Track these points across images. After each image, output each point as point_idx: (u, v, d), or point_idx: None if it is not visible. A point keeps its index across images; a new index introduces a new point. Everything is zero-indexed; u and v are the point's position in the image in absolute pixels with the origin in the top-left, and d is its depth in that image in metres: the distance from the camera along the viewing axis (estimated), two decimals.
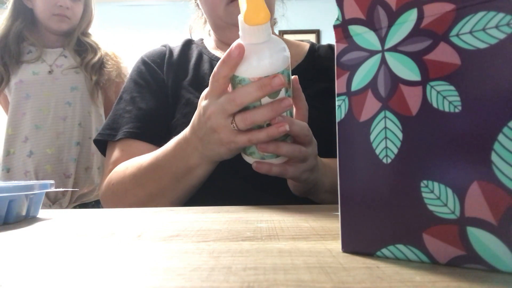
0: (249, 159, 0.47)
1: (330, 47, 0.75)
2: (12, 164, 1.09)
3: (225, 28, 0.69)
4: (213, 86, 0.42)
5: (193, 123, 0.47)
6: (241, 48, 0.39)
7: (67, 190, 1.09)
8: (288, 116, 0.43)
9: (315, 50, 0.74)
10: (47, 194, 1.06)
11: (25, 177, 1.07)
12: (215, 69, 0.41)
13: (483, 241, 0.18)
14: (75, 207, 1.12)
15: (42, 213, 0.43)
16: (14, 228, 0.33)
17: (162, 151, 0.53)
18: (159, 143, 0.61)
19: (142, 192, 0.54)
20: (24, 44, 1.12)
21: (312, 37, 3.13)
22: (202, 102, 0.45)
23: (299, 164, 0.46)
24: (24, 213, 0.38)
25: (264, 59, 0.39)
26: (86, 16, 1.17)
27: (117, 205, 0.57)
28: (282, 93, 0.41)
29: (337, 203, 0.23)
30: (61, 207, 1.09)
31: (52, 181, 0.42)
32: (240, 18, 0.38)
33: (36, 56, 1.11)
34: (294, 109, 0.47)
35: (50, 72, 1.11)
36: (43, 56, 1.12)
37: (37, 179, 1.06)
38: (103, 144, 0.67)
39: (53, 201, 1.09)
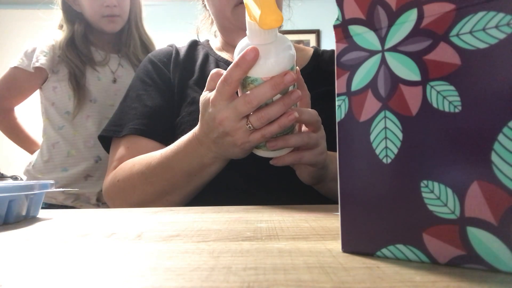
0: (258, 152, 0.49)
1: (334, 52, 0.76)
2: (71, 166, 1.01)
3: (232, 30, 0.69)
4: (224, 90, 0.42)
5: (202, 128, 0.47)
6: (256, 51, 0.39)
7: None
8: (296, 107, 0.45)
9: (319, 55, 0.74)
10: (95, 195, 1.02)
11: (85, 180, 1.00)
12: (226, 73, 0.41)
13: (483, 241, 0.18)
14: None
15: (42, 213, 0.43)
16: (14, 228, 0.33)
17: (172, 151, 0.52)
18: (164, 141, 0.61)
19: (151, 189, 0.54)
20: (92, 48, 1.05)
21: (312, 37, 3.11)
22: (209, 109, 0.44)
23: (313, 148, 0.47)
24: (24, 213, 0.38)
25: (274, 58, 0.40)
26: (133, 9, 1.06)
27: (124, 201, 0.57)
28: (290, 87, 0.42)
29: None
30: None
31: (52, 181, 0.42)
32: (248, 20, 0.38)
33: (103, 60, 1.04)
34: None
35: (114, 81, 1.05)
36: (109, 62, 1.05)
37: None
38: (107, 140, 0.67)
39: (103, 200, 1.03)
